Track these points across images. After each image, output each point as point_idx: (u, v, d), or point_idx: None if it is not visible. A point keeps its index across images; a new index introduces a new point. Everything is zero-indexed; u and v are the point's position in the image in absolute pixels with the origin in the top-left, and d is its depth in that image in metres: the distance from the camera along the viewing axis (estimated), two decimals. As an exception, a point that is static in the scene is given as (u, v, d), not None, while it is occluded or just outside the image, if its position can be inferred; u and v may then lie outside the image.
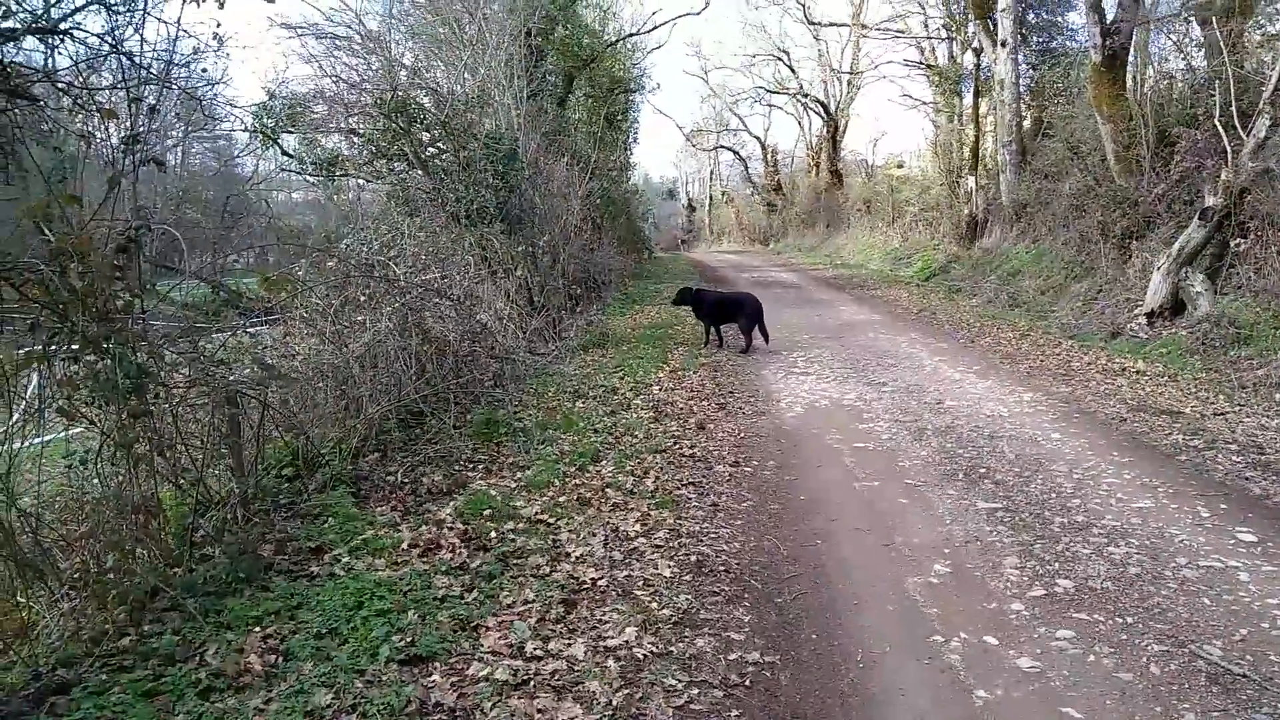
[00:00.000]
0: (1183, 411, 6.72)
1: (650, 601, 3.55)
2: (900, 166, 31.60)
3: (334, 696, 2.78)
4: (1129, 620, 3.38)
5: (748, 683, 2.98)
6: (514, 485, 5.05)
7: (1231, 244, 9.55)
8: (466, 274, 8.13)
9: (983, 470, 5.38)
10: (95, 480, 3.77)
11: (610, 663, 3.02)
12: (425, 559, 3.92)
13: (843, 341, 10.73)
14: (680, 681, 2.93)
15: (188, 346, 4.48)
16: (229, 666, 2.95)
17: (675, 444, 6.01)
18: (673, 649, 3.17)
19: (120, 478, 3.75)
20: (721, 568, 3.96)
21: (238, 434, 4.66)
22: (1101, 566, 3.89)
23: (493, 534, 4.22)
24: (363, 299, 6.28)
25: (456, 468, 5.40)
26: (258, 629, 3.24)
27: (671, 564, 3.94)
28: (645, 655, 3.10)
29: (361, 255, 6.92)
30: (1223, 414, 6.60)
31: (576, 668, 3.00)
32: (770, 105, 41.00)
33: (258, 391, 4.86)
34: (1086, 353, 9.41)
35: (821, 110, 35.33)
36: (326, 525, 4.34)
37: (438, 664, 3.02)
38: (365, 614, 3.31)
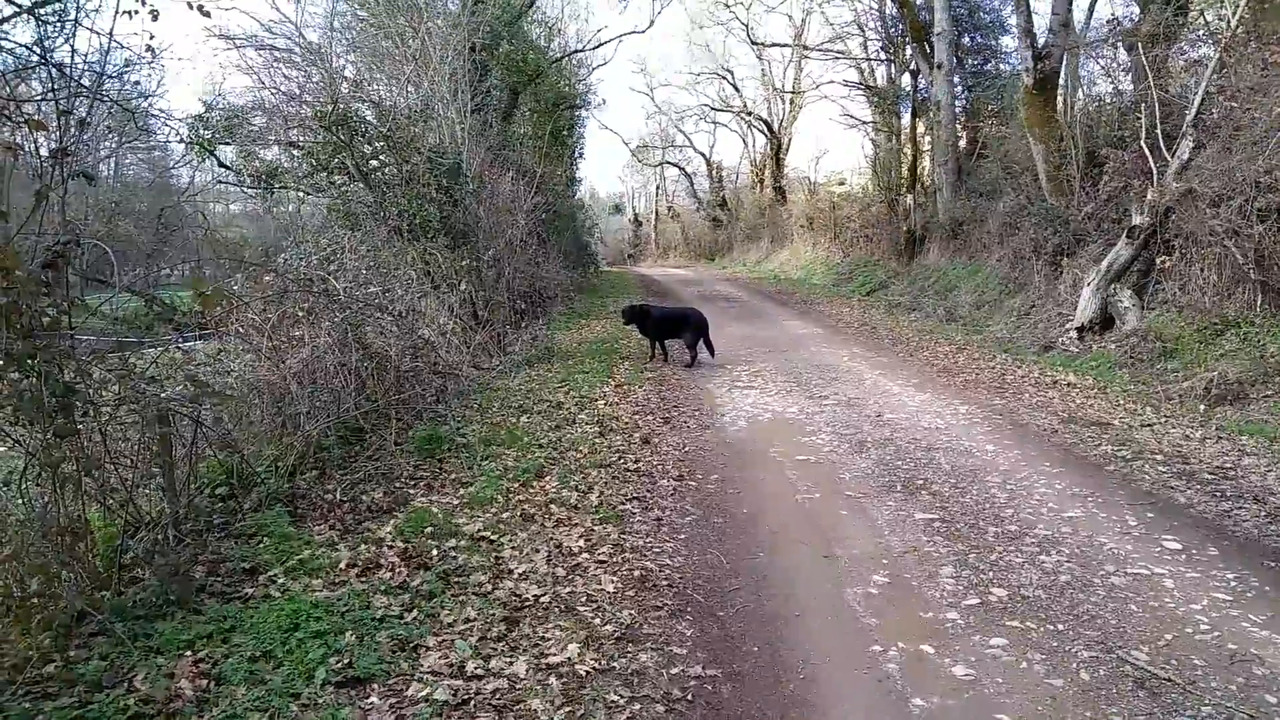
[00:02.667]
0: (1112, 423, 6.94)
1: (593, 617, 3.54)
2: (842, 184, 32.19)
3: (268, 721, 2.72)
4: (1060, 627, 3.47)
5: (689, 697, 2.99)
6: (456, 502, 4.99)
7: (1157, 261, 9.89)
8: (409, 288, 8.04)
9: (920, 482, 5.49)
10: (19, 501, 3.63)
11: (552, 680, 3.00)
12: (364, 578, 3.85)
13: (786, 356, 10.86)
14: (622, 697, 2.93)
15: (117, 363, 4.35)
16: (159, 692, 2.86)
17: (620, 459, 6.02)
18: (615, 665, 3.16)
19: (46, 499, 3.63)
20: (665, 582, 3.97)
21: (169, 453, 4.53)
22: (1034, 575, 3.99)
23: (434, 552, 4.16)
24: (301, 314, 6.18)
25: (397, 485, 5.32)
26: (189, 653, 3.14)
27: (615, 579, 3.93)
28: (587, 672, 3.08)
29: (300, 269, 6.81)
30: (1149, 425, 6.83)
31: (518, 686, 2.97)
32: (715, 123, 41.48)
33: (190, 409, 4.74)
34: (1020, 366, 9.67)
35: (765, 128, 35.81)
36: (262, 545, 4.25)
37: (376, 685, 2.97)
38: (301, 636, 3.24)
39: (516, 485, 5.27)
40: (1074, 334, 10.47)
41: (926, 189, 19.53)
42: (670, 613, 3.65)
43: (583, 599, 3.72)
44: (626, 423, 7.12)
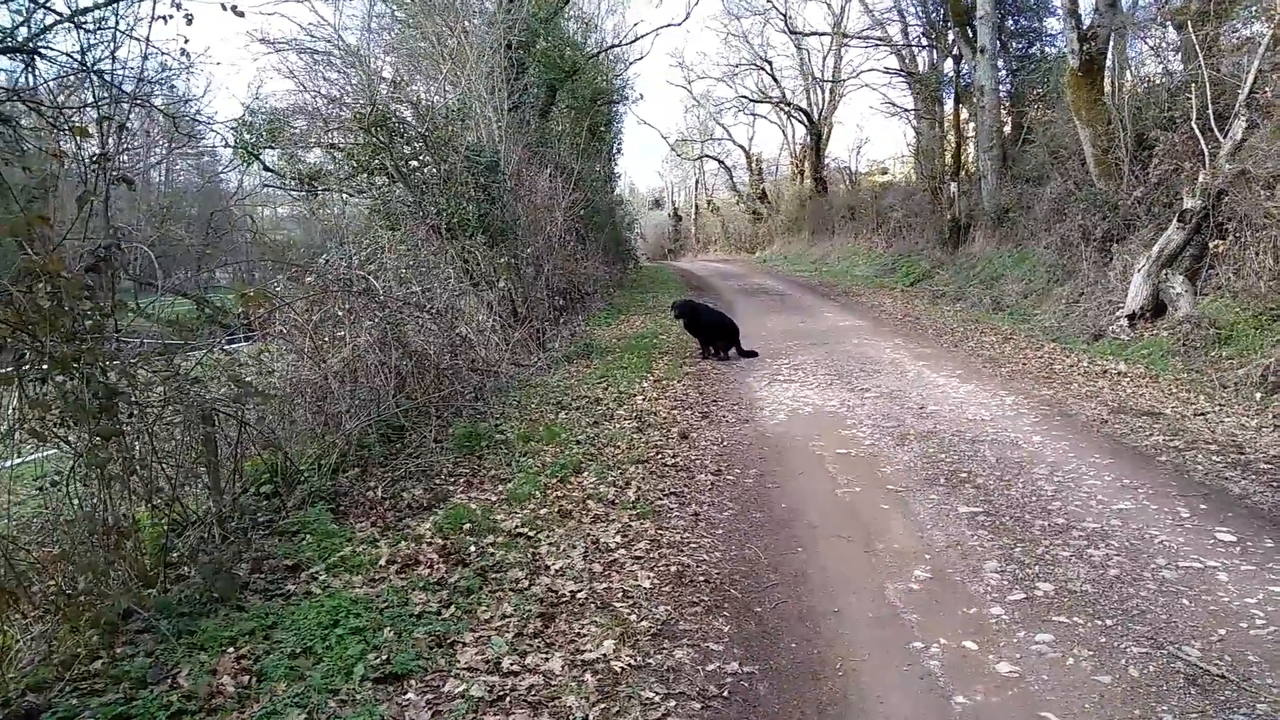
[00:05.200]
0: (1163, 412, 6.75)
1: (629, 613, 3.52)
2: (884, 173, 31.78)
3: (306, 717, 2.75)
4: (1108, 623, 3.37)
5: (726, 694, 2.96)
6: (495, 498, 5.02)
7: (1210, 245, 9.60)
8: (448, 287, 8.10)
9: (964, 475, 5.38)
10: (68, 501, 3.72)
11: (588, 677, 2.99)
12: (403, 575, 3.89)
13: (827, 348, 10.74)
14: (658, 694, 2.91)
15: (163, 365, 4.43)
16: (201, 688, 2.91)
17: (658, 454, 6.00)
18: (651, 661, 3.14)
19: (93, 499, 3.71)
20: (701, 578, 3.94)
21: (214, 452, 4.63)
22: (1081, 569, 3.89)
23: (472, 548, 4.19)
24: (342, 314, 6.26)
25: (437, 482, 5.37)
26: (231, 649, 3.19)
27: (651, 575, 3.91)
28: (623, 668, 3.07)
29: (341, 269, 6.89)
30: (1203, 414, 6.63)
31: (553, 682, 2.97)
32: (754, 114, 41.16)
33: (234, 409, 4.83)
34: (1069, 355, 9.45)
35: (805, 118, 35.47)
36: (304, 542, 4.31)
37: (413, 681, 2.99)
38: (341, 632, 3.27)
39: (554, 481, 5.28)
40: (1124, 321, 10.18)
41: (971, 176, 19.18)
42: (707, 609, 3.62)
43: (619, 595, 3.71)
44: (665, 418, 7.10)
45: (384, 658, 3.11)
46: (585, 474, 5.47)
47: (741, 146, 43.57)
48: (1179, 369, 8.23)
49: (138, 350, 4.31)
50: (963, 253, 18.03)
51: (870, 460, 5.83)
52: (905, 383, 8.35)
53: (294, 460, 5.26)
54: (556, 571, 3.93)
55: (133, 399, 3.96)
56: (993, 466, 5.53)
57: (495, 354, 8.40)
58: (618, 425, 6.73)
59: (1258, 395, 7.05)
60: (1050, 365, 9.02)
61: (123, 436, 3.82)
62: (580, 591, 3.72)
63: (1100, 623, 3.38)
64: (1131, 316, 10.07)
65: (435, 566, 3.96)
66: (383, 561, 4.01)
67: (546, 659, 3.12)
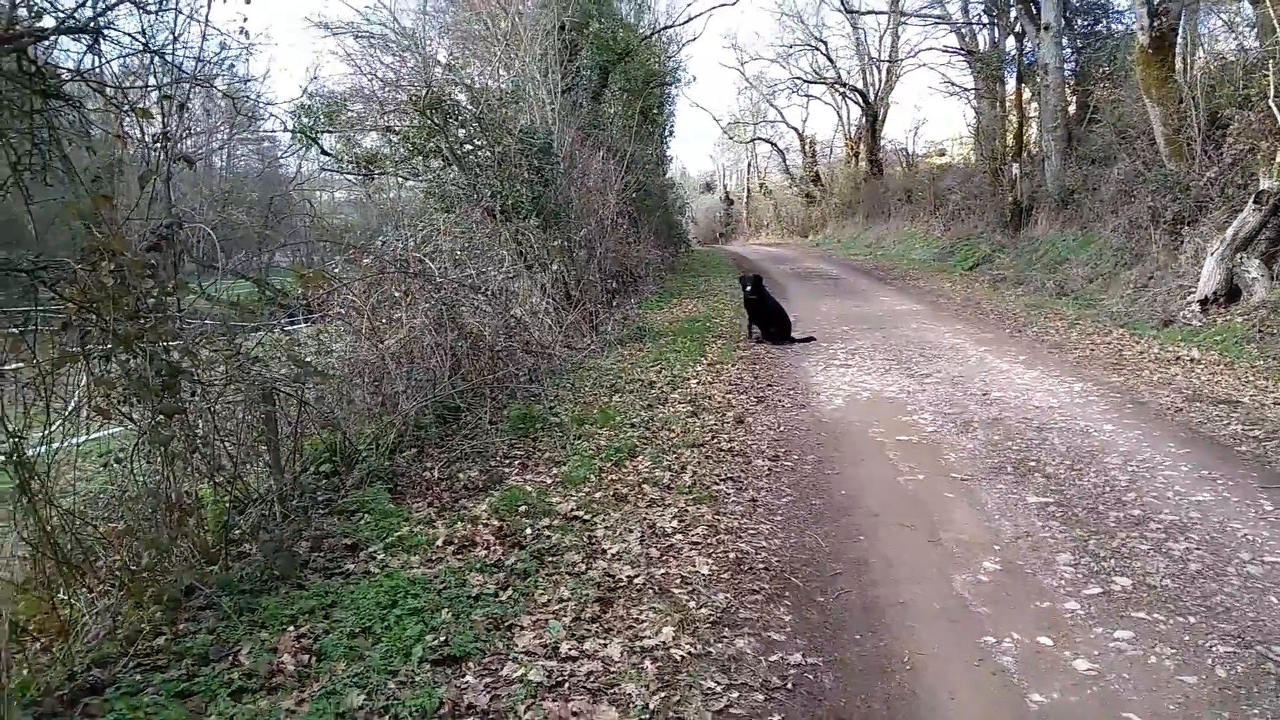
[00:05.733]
0: (1241, 400, 6.46)
1: (688, 600, 3.45)
2: (942, 154, 31.07)
3: (366, 698, 2.73)
4: (1191, 620, 3.21)
5: (789, 685, 2.87)
6: (550, 481, 4.99)
7: (1292, 228, 9.20)
8: (502, 269, 8.09)
9: (1032, 463, 5.20)
10: (133, 478, 3.77)
11: (647, 664, 2.93)
12: (460, 556, 3.87)
13: (884, 333, 10.53)
14: (719, 684, 2.83)
15: (225, 344, 4.47)
16: (262, 667, 2.92)
17: (713, 438, 5.90)
18: (711, 649, 3.07)
19: (157, 475, 3.75)
20: (761, 565, 3.85)
21: (274, 431, 4.66)
22: (1160, 563, 3.71)
23: (528, 530, 4.16)
24: (398, 295, 6.27)
25: (492, 464, 5.35)
26: (292, 628, 3.20)
27: (709, 561, 3.83)
28: (683, 656, 3.00)
29: (397, 251, 6.91)
30: (1282, 403, 6.34)
31: (612, 669, 2.92)
32: (808, 96, 40.51)
33: (294, 388, 4.86)
34: (1138, 341, 9.12)
35: (860, 99, 34.80)
36: (362, 522, 4.32)
37: (471, 664, 2.96)
38: (399, 613, 3.26)
39: (609, 465, 5.23)
40: (1196, 307, 9.80)
41: (1033, 157, 18.65)
42: (768, 597, 3.53)
43: (677, 581, 3.64)
44: (719, 402, 7.00)
45: (442, 639, 3.09)
46: (640, 458, 5.41)
47: (795, 129, 42.97)
48: (1254, 356, 7.90)
49: (200, 330, 4.35)
50: (1024, 236, 17.56)
51: (933, 447, 5.67)
52: (967, 368, 8.13)
53: (352, 440, 5.28)
54: (613, 556, 3.88)
55: (195, 377, 4.00)
56: (1062, 455, 5.34)
57: (549, 336, 8.37)
58: (672, 409, 6.65)
59: (1340, 384, 6.73)
60: (1119, 352, 8.71)
61: (185, 414, 3.85)
62: (637, 577, 3.66)
63: (1183, 620, 3.21)
64: (1204, 301, 9.70)
65: (492, 548, 3.94)
66: (440, 542, 4.00)
67: (605, 644, 3.07)
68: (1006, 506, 4.52)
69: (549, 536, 4.09)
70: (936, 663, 3.02)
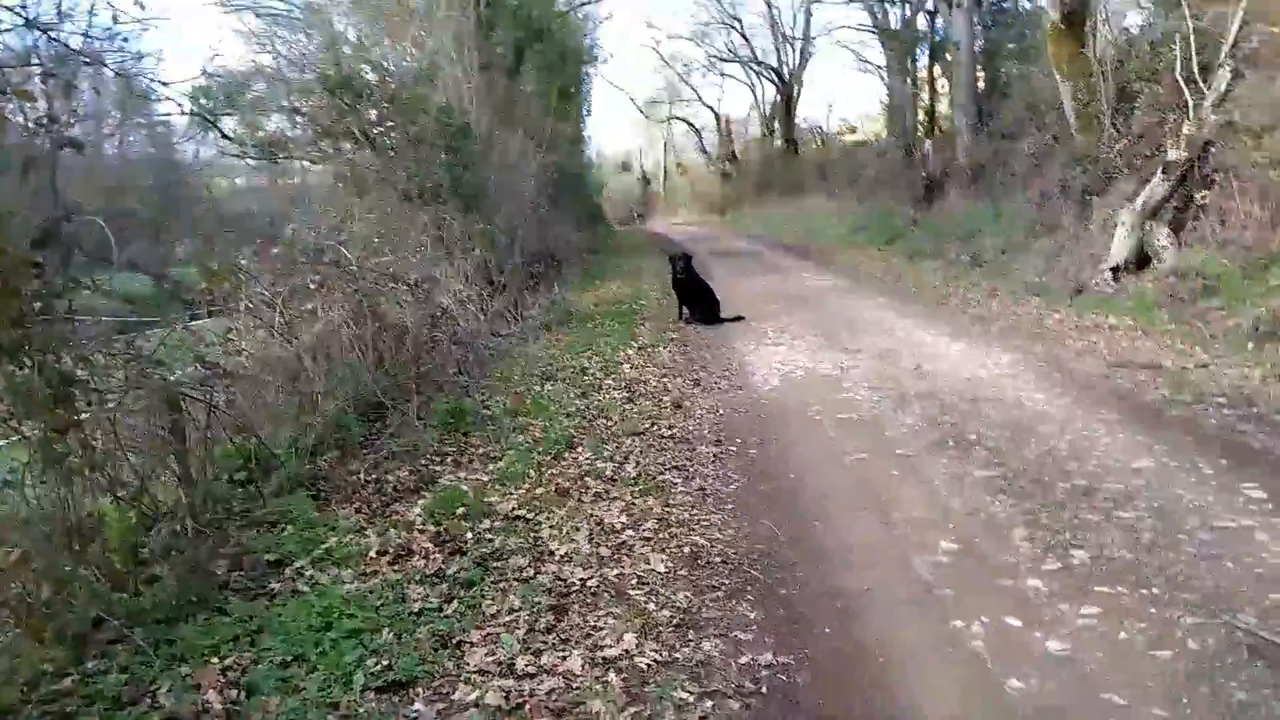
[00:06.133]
0: (1164, 365, 6.61)
1: (647, 602, 3.25)
2: (852, 131, 31.51)
3: (304, 735, 2.47)
4: (1154, 591, 3.17)
5: (764, 689, 2.71)
6: (487, 478, 4.72)
7: (1196, 197, 9.48)
8: (423, 255, 7.73)
9: (972, 437, 5.18)
10: (25, 501, 3.39)
11: (611, 676, 2.73)
12: (396, 567, 3.60)
13: (810, 309, 10.53)
14: (691, 694, 2.65)
15: (122, 347, 4.09)
16: (185, 708, 2.62)
17: (653, 425, 5.72)
18: (678, 655, 2.88)
19: (53, 496, 3.38)
20: (718, 559, 3.68)
21: (182, 440, 4.29)
22: (1114, 534, 3.69)
23: (468, 534, 3.90)
24: (311, 286, 5.90)
25: (423, 462, 5.06)
26: (215, 660, 2.89)
27: (664, 557, 3.64)
28: (648, 665, 2.81)
29: (308, 240, 6.50)
30: (1204, 366, 6.49)
31: (575, 684, 2.70)
32: (723, 74, 40.59)
33: (201, 392, 4.49)
34: (1056, 310, 9.31)
35: (775, 77, 35.02)
36: (285, 534, 4.01)
37: (419, 689, 2.71)
38: (334, 635, 2.98)
39: (548, 458, 5.00)
40: (1108, 275, 10.05)
41: (945, 133, 18.99)
42: (729, 593, 3.36)
43: (633, 581, 3.44)
44: (655, 386, 6.83)
45: (385, 663, 2.83)
46: (579, 449, 5.20)
47: (710, 107, 43.05)
48: (1166, 321, 8.12)
49: (94, 331, 3.96)
50: (937, 210, 17.84)
51: (872, 425, 5.62)
52: (896, 342, 8.15)
53: (268, 445, 4.93)
54: (562, 557, 3.65)
55: (91, 385, 3.62)
56: (1000, 427, 5.34)
57: (474, 324, 8.06)
58: (607, 396, 6.45)
59: (1249, 345, 6.93)
60: (1040, 320, 8.89)
61: (81, 428, 3.48)
62: (590, 579, 3.45)
63: (1146, 592, 3.17)
64: (1115, 269, 9.95)
65: (431, 556, 3.68)
66: (373, 553, 3.72)
67: (564, 658, 2.85)
68: (953, 482, 4.47)
69: (491, 540, 3.84)
70: (909, 653, 2.91)
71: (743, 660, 2.87)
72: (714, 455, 5.15)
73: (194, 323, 6.31)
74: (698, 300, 9.95)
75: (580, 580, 3.45)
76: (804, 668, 2.84)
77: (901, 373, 6.92)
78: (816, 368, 7.36)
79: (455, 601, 3.27)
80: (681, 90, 43.33)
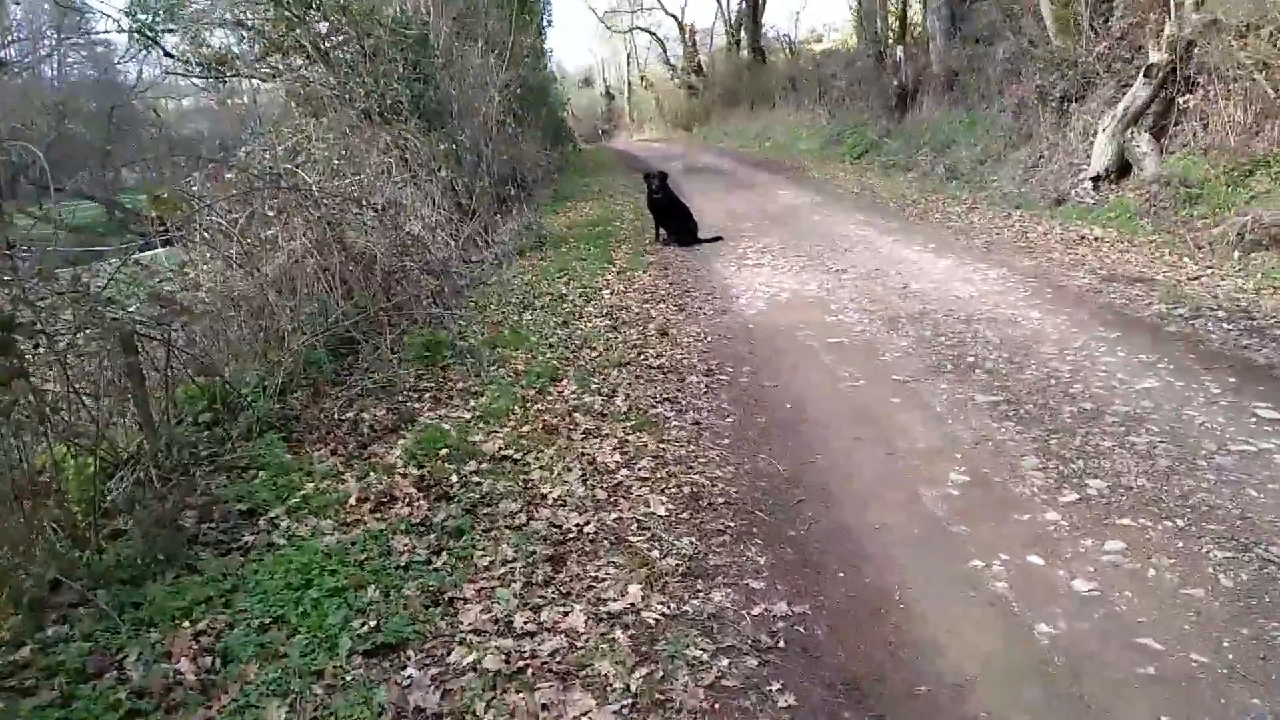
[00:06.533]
0: (1155, 278, 6.49)
1: (649, 549, 3.07)
2: (819, 40, 30.66)
3: (289, 710, 2.28)
4: (1179, 523, 3.04)
5: (781, 643, 2.55)
6: (469, 416, 4.49)
7: (1179, 101, 9.24)
8: (387, 179, 7.31)
9: (970, 359, 5.02)
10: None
11: (618, 634, 2.55)
12: (379, 515, 3.37)
13: (788, 227, 10.26)
14: (704, 651, 2.48)
15: (69, 283, 3.77)
16: (154, 680, 2.41)
17: (639, 354, 5.48)
18: (686, 608, 2.70)
19: (2, 447, 3.10)
20: (720, 499, 3.50)
21: (141, 384, 3.99)
22: (1129, 460, 3.55)
23: (454, 478, 3.68)
24: (271, 214, 5.52)
25: (400, 399, 4.81)
26: (187, 624, 2.67)
27: (664, 499, 3.45)
28: (657, 619, 2.63)
29: (264, 163, 6.08)
30: (1196, 278, 6.38)
31: (579, 644, 2.52)
32: (686, -20, 39.14)
33: (159, 330, 4.17)
34: (1039, 222, 9.14)
35: (740, -18, 33.80)
36: (257, 481, 3.76)
37: (411, 652, 2.51)
38: (315, 595, 2.76)
39: (532, 393, 4.76)
40: (1089, 184, 9.88)
41: (917, 39, 18.45)
42: (735, 537, 3.19)
43: (633, 526, 3.25)
44: (638, 313, 6.56)
45: (372, 624, 2.63)
46: (564, 382, 4.96)
47: (674, 16, 41.70)
48: (1149, 231, 7.99)
49: (36, 266, 3.63)
50: (911, 120, 17.45)
51: (866, 349, 5.43)
52: (880, 260, 7.94)
53: (234, 385, 4.64)
54: (555, 501, 3.45)
55: (36, 328, 3.31)
56: (997, 348, 5.19)
57: (445, 251, 7.69)
58: (589, 324, 6.18)
59: (1235, 254, 6.81)
60: (1024, 234, 8.71)
61: (26, 377, 3.18)
62: (587, 524, 3.25)
63: (1170, 524, 3.04)
64: (1096, 179, 9.77)
65: (415, 504, 3.46)
66: (353, 500, 3.49)
67: (566, 613, 2.67)
68: (956, 408, 4.32)
69: (479, 483, 3.62)
70: (929, 597, 2.76)
71: (756, 611, 2.71)
72: (705, 386, 4.94)
73: (145, 253, 5.96)
74: (675, 220, 9.60)
75: (577, 526, 3.25)
76: (821, 618, 2.68)
77: (889, 292, 6.72)
78: (801, 289, 7.14)
79: (445, 554, 3.06)
80: (643, -1, 41.90)
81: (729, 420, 4.42)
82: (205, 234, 5.18)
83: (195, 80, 13.76)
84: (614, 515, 3.33)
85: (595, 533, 3.20)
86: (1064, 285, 6.56)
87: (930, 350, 5.25)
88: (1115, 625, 2.54)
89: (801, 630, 2.62)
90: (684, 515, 3.34)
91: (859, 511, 3.36)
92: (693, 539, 3.15)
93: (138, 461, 3.75)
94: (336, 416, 4.59)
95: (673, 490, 3.55)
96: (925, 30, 17.37)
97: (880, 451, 3.90)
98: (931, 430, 4.08)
